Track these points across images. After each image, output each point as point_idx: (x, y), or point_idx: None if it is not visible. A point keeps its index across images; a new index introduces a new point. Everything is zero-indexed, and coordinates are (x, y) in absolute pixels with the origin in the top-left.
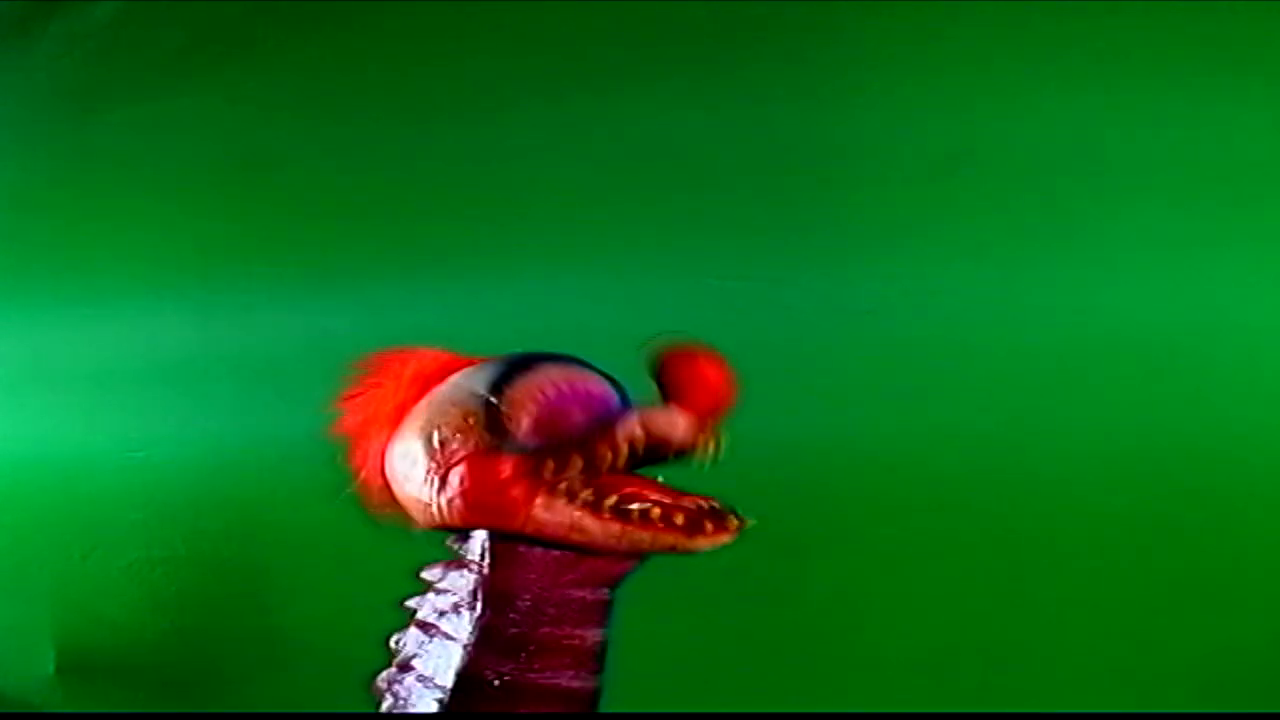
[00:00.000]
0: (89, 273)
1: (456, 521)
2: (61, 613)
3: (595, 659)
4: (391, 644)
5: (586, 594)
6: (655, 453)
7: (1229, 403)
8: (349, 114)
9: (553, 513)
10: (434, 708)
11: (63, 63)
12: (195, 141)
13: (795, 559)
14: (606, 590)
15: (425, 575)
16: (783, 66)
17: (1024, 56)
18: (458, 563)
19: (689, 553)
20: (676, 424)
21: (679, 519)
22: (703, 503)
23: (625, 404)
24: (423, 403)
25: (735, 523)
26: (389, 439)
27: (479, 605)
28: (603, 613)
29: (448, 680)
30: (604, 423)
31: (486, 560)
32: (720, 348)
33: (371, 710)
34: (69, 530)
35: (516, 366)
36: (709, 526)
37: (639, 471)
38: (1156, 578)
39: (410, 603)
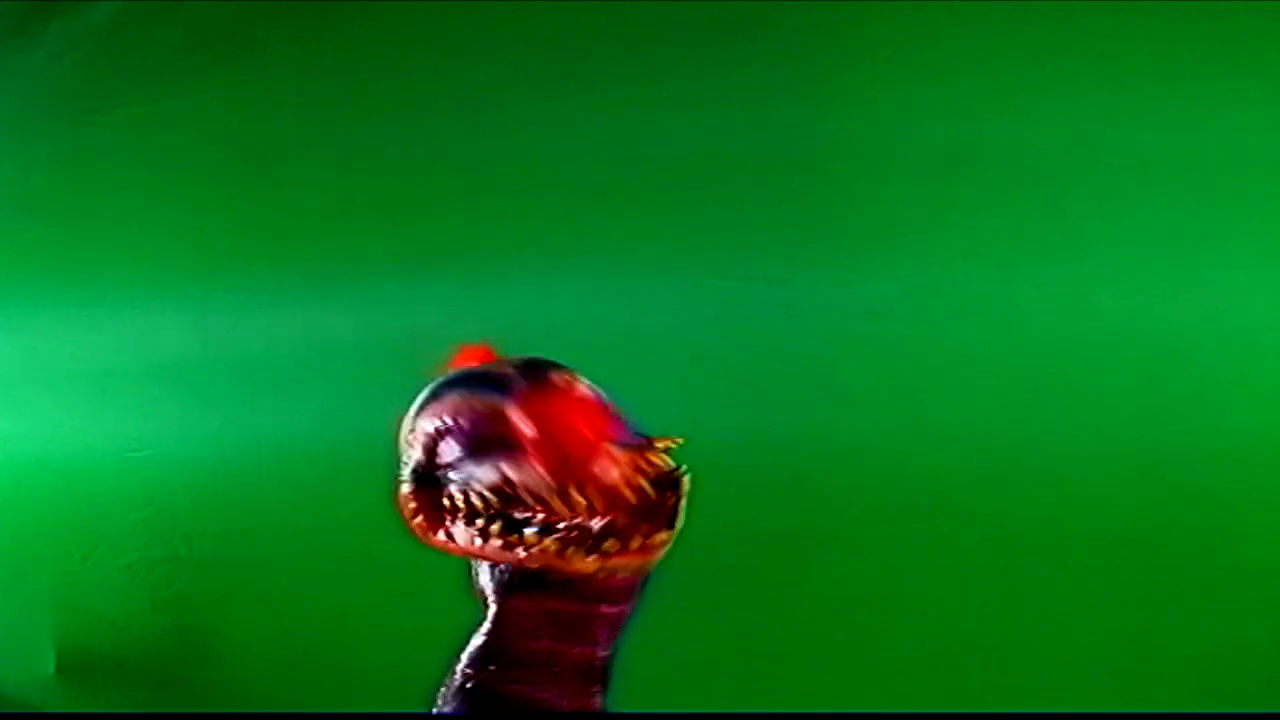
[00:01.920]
0: (89, 273)
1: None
2: (61, 613)
3: (597, 678)
4: None
5: (580, 608)
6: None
7: (1229, 403)
8: (349, 114)
9: (454, 539)
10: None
11: (63, 63)
12: (195, 141)
13: (795, 559)
14: (608, 605)
15: None
16: (783, 66)
17: (1024, 56)
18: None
19: (573, 571)
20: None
21: (548, 543)
22: (615, 520)
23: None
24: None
25: (614, 544)
26: None
27: (486, 621)
28: (609, 628)
29: (447, 696)
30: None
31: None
32: (720, 348)
33: (371, 709)
34: (69, 530)
35: (429, 397)
36: (570, 552)
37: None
38: (1156, 577)
39: None
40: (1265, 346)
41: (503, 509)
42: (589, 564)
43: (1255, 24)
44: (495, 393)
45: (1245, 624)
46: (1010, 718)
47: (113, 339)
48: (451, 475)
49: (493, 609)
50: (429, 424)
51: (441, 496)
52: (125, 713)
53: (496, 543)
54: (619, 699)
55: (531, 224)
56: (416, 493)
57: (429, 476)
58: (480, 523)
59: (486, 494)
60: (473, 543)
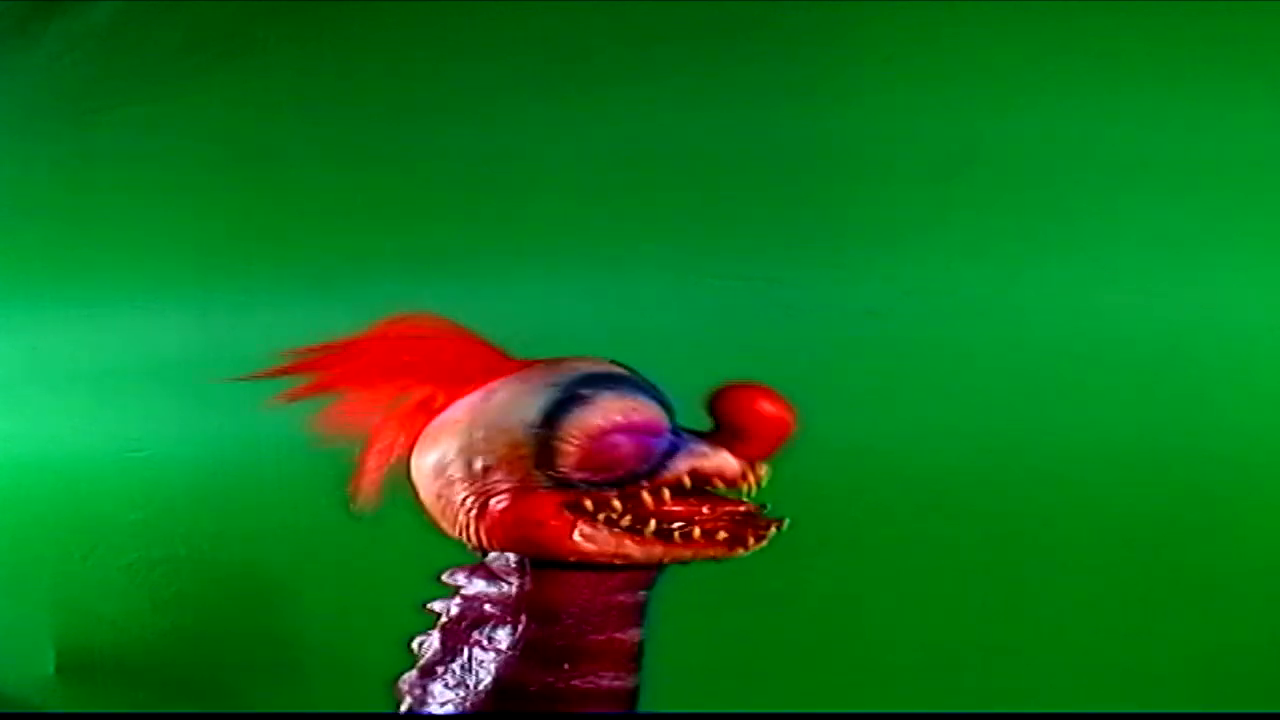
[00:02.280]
0: (89, 273)
1: (494, 547)
2: (61, 613)
3: (634, 659)
4: (414, 647)
5: (626, 598)
6: (700, 488)
7: (1229, 403)
8: (349, 114)
9: (595, 542)
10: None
11: (63, 63)
12: (195, 141)
13: (795, 559)
14: (644, 591)
15: (450, 580)
16: (783, 66)
17: (1024, 56)
18: (485, 570)
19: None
20: (725, 469)
21: (721, 535)
22: (739, 509)
23: (677, 439)
24: (463, 412)
25: (771, 529)
26: (415, 437)
27: (522, 618)
28: (641, 613)
29: (482, 689)
30: (652, 464)
31: (528, 576)
32: (720, 348)
33: (371, 710)
34: (69, 530)
35: (574, 396)
36: (750, 539)
37: None
38: (1157, 578)
39: (435, 606)
40: (1265, 346)
41: (658, 509)
42: (749, 550)
43: (1255, 24)
44: (651, 396)
45: (1245, 624)
46: (1010, 718)
47: (113, 339)
48: (598, 477)
49: (559, 609)
50: (586, 425)
51: (584, 499)
52: (125, 713)
53: (656, 544)
54: None
55: (531, 224)
56: (557, 496)
57: (567, 481)
58: (627, 522)
59: (656, 493)
60: (616, 544)
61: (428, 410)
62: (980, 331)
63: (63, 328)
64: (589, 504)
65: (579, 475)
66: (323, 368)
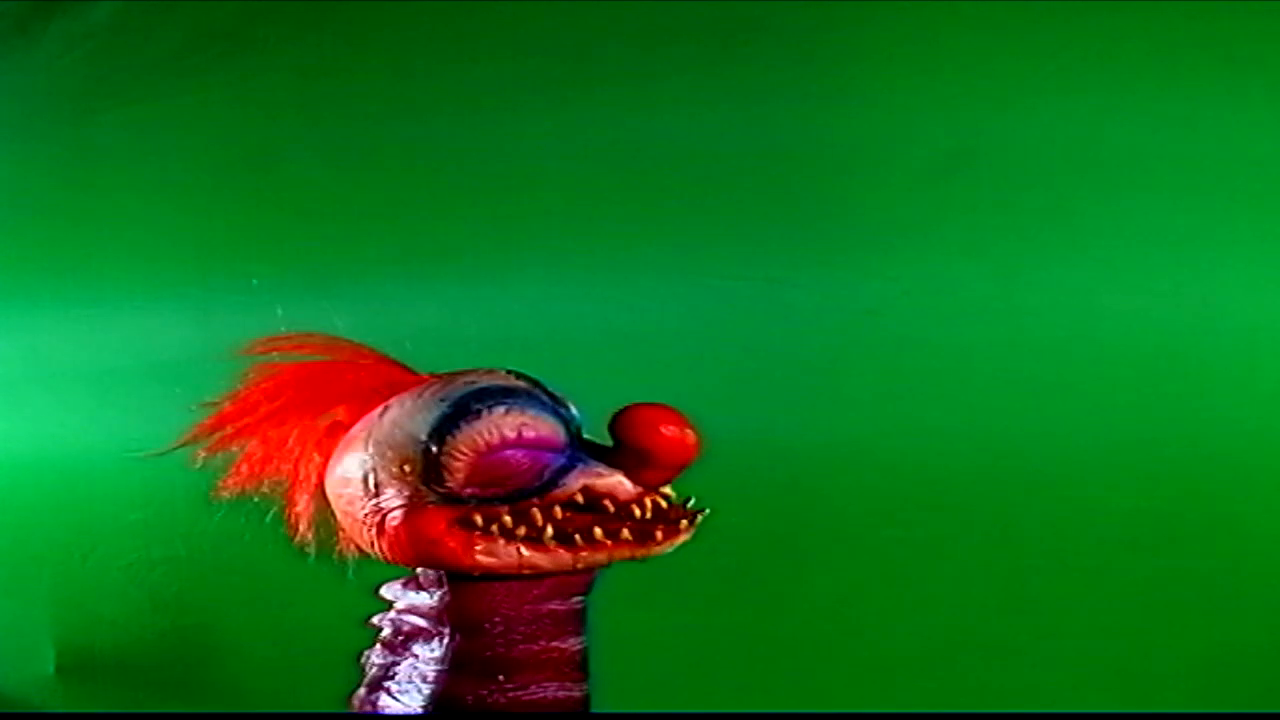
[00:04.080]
0: (89, 272)
1: (401, 563)
2: (61, 613)
3: (578, 667)
4: (361, 661)
5: (557, 605)
6: (593, 508)
7: (1229, 403)
8: (349, 114)
9: (495, 555)
10: None
11: (63, 63)
12: (195, 141)
13: (794, 559)
14: (579, 598)
15: (384, 593)
16: (783, 66)
17: (1024, 56)
18: (415, 581)
19: (650, 557)
20: (618, 490)
21: (625, 534)
22: (656, 502)
23: (574, 457)
24: (362, 428)
25: (685, 523)
26: (325, 458)
27: (447, 630)
28: (579, 620)
29: (423, 703)
30: (543, 481)
31: (446, 588)
32: (720, 348)
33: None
34: (69, 530)
35: (463, 411)
36: (659, 534)
37: None
38: (1157, 578)
39: (375, 620)
40: (1265, 346)
41: (566, 518)
42: (663, 547)
43: (1255, 24)
44: (550, 411)
45: (1245, 624)
46: (1010, 718)
47: (113, 339)
48: (488, 492)
49: (482, 620)
50: (474, 441)
51: (473, 514)
52: (125, 713)
53: (560, 550)
54: (619, 699)
55: (531, 224)
56: (448, 512)
57: (456, 497)
58: (523, 532)
59: (547, 510)
60: (519, 555)
61: (339, 432)
62: (980, 331)
63: (63, 328)
64: (479, 519)
65: (468, 491)
66: (227, 421)
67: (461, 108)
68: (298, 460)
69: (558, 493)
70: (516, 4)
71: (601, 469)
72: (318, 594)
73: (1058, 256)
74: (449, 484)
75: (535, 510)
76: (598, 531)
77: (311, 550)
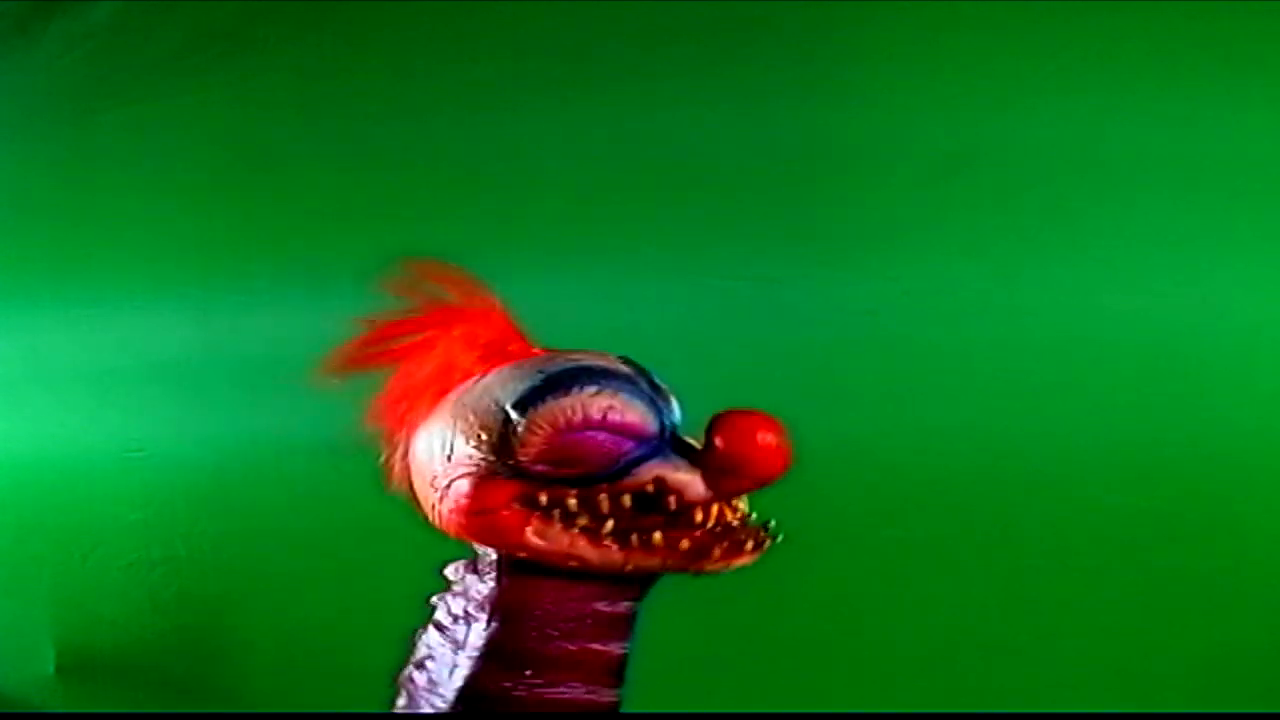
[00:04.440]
0: (89, 273)
1: (452, 533)
2: (61, 613)
3: (612, 673)
4: (413, 638)
5: (603, 606)
6: (659, 506)
7: (1229, 403)
8: (349, 114)
9: (547, 539)
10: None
11: (63, 63)
12: (195, 141)
13: (795, 559)
14: (628, 603)
15: (446, 573)
16: (783, 66)
17: (1024, 56)
18: (474, 565)
19: (704, 574)
20: (689, 488)
21: (684, 544)
22: (730, 520)
23: (656, 448)
24: (455, 395)
25: (751, 545)
26: (424, 415)
27: (488, 616)
28: (624, 625)
29: (450, 688)
30: (617, 468)
31: (504, 575)
32: (720, 348)
33: (371, 710)
34: (69, 530)
35: (553, 385)
36: (716, 552)
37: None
38: (1157, 577)
39: (433, 599)
40: (1265, 346)
41: (633, 513)
42: (718, 566)
43: (1255, 24)
44: (645, 400)
45: (1245, 624)
46: (1010, 718)
47: (113, 339)
48: (560, 472)
49: (523, 611)
50: (556, 416)
51: (539, 494)
52: (125, 713)
53: (613, 547)
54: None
55: (532, 224)
56: (514, 486)
57: (526, 473)
58: (584, 521)
59: (616, 498)
60: (569, 543)
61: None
62: (980, 331)
63: (63, 328)
64: (544, 499)
65: (539, 468)
66: (386, 338)
67: (461, 108)
68: (416, 402)
69: (629, 481)
70: (516, 4)
71: (680, 464)
72: (317, 594)
73: (1058, 256)
74: (521, 457)
75: (603, 496)
76: (657, 536)
77: (399, 497)
